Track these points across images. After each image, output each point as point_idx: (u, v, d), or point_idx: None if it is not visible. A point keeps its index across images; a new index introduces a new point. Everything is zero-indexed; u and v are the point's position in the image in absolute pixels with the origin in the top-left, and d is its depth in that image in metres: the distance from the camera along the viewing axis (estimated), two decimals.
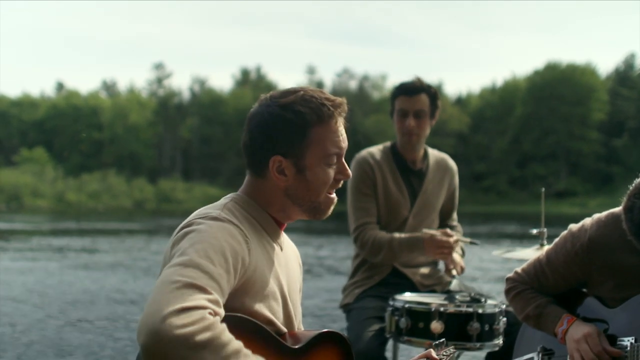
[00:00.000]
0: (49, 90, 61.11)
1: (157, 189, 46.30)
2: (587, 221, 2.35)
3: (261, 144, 1.78)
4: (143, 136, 52.84)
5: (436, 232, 3.21)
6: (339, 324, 6.05)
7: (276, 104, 1.78)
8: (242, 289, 1.65)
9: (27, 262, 12.63)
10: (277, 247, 1.84)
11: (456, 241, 3.22)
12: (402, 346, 3.12)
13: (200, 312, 1.40)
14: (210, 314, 1.42)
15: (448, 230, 3.25)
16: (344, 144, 1.83)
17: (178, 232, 1.67)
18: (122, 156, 51.33)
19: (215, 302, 1.47)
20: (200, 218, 1.68)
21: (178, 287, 1.43)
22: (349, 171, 1.85)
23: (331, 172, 1.80)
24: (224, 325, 1.44)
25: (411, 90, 3.33)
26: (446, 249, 3.18)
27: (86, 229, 22.54)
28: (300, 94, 1.78)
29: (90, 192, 43.93)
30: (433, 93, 3.36)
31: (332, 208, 1.86)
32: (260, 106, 1.81)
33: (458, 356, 3.13)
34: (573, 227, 2.38)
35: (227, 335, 1.43)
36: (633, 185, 2.07)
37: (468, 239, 3.32)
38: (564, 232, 2.41)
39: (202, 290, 1.46)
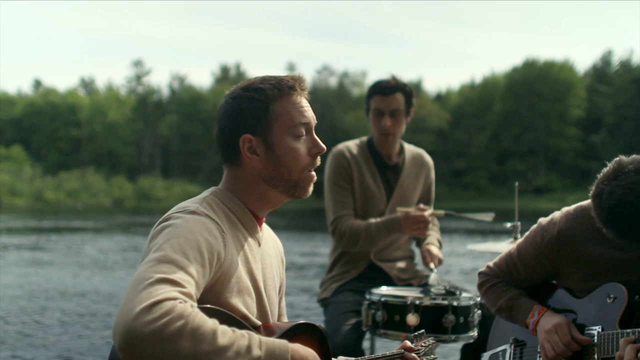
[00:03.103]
0: (27, 88, 60.83)
1: (137, 186, 45.98)
2: (556, 214, 2.40)
3: (229, 128, 1.81)
4: (122, 134, 52.50)
5: (410, 209, 3.23)
6: None
7: (238, 89, 1.84)
8: (217, 283, 1.66)
9: None
10: (254, 242, 1.85)
11: (431, 214, 3.24)
12: (380, 339, 3.15)
13: (170, 303, 1.40)
14: (180, 302, 1.42)
15: (421, 205, 3.27)
16: (310, 114, 1.85)
17: (156, 226, 1.67)
18: (101, 154, 50.98)
19: (188, 295, 1.47)
20: (178, 212, 1.69)
21: (150, 284, 1.43)
22: (322, 145, 1.86)
23: (301, 146, 1.82)
24: (196, 310, 1.44)
25: (386, 89, 3.36)
26: (422, 223, 3.19)
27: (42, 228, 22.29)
28: (260, 77, 1.85)
29: (69, 190, 43.54)
30: (408, 91, 3.39)
31: (311, 186, 1.86)
32: (225, 97, 1.86)
33: (434, 348, 3.18)
34: (542, 220, 2.43)
35: (200, 318, 1.42)
36: (601, 173, 2.12)
37: (442, 211, 3.32)
38: (534, 226, 2.46)
39: (174, 283, 1.46)
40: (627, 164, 2.05)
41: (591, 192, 2.12)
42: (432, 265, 3.26)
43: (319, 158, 1.87)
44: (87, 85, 60.57)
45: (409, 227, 3.20)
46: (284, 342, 1.57)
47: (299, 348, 1.60)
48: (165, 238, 1.58)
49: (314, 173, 1.86)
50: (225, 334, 1.45)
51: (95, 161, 49.44)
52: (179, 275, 1.49)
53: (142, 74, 57.85)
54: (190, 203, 1.75)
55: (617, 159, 2.10)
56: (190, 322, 1.40)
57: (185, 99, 54.14)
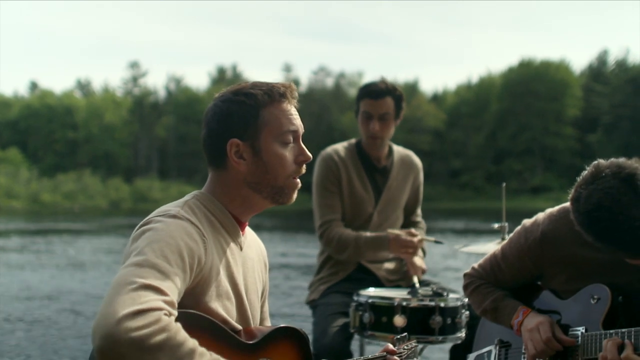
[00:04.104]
0: (23, 90, 60.79)
1: (133, 188, 45.93)
2: (540, 216, 2.41)
3: (217, 131, 1.81)
4: (118, 135, 52.48)
5: (401, 232, 3.26)
6: None
7: (229, 93, 1.84)
8: (197, 287, 1.67)
9: None
10: (235, 247, 1.85)
11: (420, 240, 3.27)
12: (368, 341, 3.15)
13: (155, 314, 1.40)
14: (165, 314, 1.43)
15: (412, 230, 3.30)
16: (298, 123, 1.85)
17: (137, 229, 1.67)
18: (98, 156, 50.97)
19: (171, 304, 1.48)
20: (159, 216, 1.69)
21: (134, 289, 1.43)
22: (309, 153, 1.86)
23: (288, 153, 1.82)
24: (178, 325, 1.45)
25: (376, 93, 3.35)
26: (410, 248, 3.24)
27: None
28: (251, 82, 1.86)
29: (66, 192, 43.49)
30: (398, 95, 3.38)
31: (295, 192, 1.87)
32: (214, 100, 1.86)
33: (422, 350, 3.19)
34: (526, 222, 2.44)
35: (182, 336, 1.43)
36: (581, 176, 2.13)
37: (432, 238, 3.37)
38: (518, 227, 2.46)
39: (158, 291, 1.46)
40: (604, 168, 2.05)
41: (570, 195, 2.13)
42: (415, 279, 3.28)
43: (304, 166, 1.87)
44: (84, 87, 60.59)
45: (397, 249, 3.26)
46: None
47: None
48: (146, 242, 1.58)
49: (298, 180, 1.87)
50: (203, 356, 1.47)
51: (91, 163, 49.40)
52: (161, 282, 1.49)
53: (139, 76, 57.86)
54: (171, 207, 1.75)
55: (595, 162, 2.11)
56: (172, 337, 1.41)
57: (181, 101, 54.16)
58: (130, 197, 44.80)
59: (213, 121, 1.82)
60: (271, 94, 1.81)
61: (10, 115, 53.43)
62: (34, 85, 59.97)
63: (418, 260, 3.40)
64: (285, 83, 1.85)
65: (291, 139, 1.83)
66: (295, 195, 1.87)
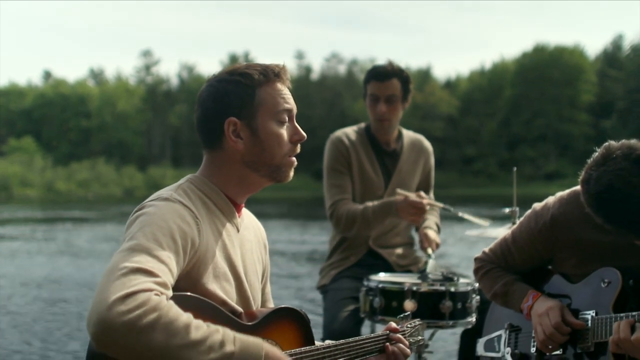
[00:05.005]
0: (36, 79, 61.16)
1: (147, 176, 46.23)
2: (550, 199, 2.39)
3: (214, 110, 1.81)
4: (132, 124, 52.75)
5: (409, 194, 3.21)
6: None
7: (224, 73, 1.85)
8: (193, 270, 1.67)
9: None
10: (232, 228, 1.85)
11: (429, 203, 3.23)
12: (381, 326, 3.15)
13: (145, 295, 1.40)
14: (156, 294, 1.43)
15: (421, 193, 3.25)
16: (292, 102, 1.87)
17: (131, 215, 1.68)
18: (111, 144, 51.29)
19: (163, 285, 1.48)
20: (151, 200, 1.70)
21: (124, 274, 1.43)
22: (303, 133, 1.88)
23: (283, 131, 1.83)
24: (171, 303, 1.44)
25: (382, 75, 3.34)
26: (419, 209, 3.17)
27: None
28: (245, 64, 1.87)
29: (80, 180, 43.86)
30: (405, 77, 3.37)
31: (292, 170, 1.88)
32: (208, 81, 1.87)
33: (432, 335, 3.19)
34: (537, 206, 2.42)
35: (174, 312, 1.43)
36: (591, 158, 2.11)
37: (441, 204, 3.32)
38: (528, 211, 2.45)
39: (149, 273, 1.47)
40: (615, 150, 2.04)
41: (580, 177, 2.11)
42: (429, 250, 3.25)
43: (299, 145, 1.88)
44: (97, 75, 60.90)
45: (405, 211, 3.17)
46: (258, 340, 1.56)
47: (273, 348, 1.60)
48: (138, 227, 1.59)
49: (294, 159, 1.88)
50: (199, 328, 1.46)
51: (105, 151, 49.76)
52: (153, 264, 1.49)
53: (151, 64, 58.05)
54: (164, 191, 1.76)
55: (606, 144, 2.09)
56: (164, 315, 1.41)
57: (194, 89, 54.13)
58: (144, 184, 45.05)
59: (209, 100, 1.82)
60: (266, 74, 1.82)
61: (24, 104, 53.81)
62: (47, 75, 60.39)
63: (432, 233, 3.37)
64: (279, 64, 1.87)
65: (286, 118, 1.85)
66: (291, 174, 1.89)
